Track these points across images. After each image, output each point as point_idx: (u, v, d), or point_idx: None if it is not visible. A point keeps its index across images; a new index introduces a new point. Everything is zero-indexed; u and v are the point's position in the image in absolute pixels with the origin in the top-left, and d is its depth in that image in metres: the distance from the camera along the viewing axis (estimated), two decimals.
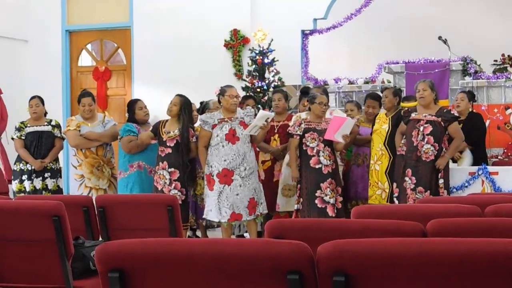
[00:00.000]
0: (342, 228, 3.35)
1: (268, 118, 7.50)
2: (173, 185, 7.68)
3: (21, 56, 12.35)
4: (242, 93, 9.87)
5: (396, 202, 7.46)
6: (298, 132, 7.66)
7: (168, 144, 7.74)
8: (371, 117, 8.41)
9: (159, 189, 7.71)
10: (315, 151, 7.61)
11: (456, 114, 7.69)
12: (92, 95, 8.61)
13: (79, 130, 8.23)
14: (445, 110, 7.63)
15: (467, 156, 8.44)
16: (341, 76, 11.46)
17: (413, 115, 7.57)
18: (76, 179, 8.27)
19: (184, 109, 7.78)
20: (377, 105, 8.49)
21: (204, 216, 7.69)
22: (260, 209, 7.58)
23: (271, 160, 8.30)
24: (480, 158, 8.41)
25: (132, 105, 8.44)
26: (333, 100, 11.00)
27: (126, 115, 8.61)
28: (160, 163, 7.75)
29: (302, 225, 3.51)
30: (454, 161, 8.27)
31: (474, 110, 9.29)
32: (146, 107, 8.40)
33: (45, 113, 8.69)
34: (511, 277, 2.27)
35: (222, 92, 7.61)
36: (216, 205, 7.46)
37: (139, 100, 8.57)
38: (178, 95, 7.91)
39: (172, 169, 7.71)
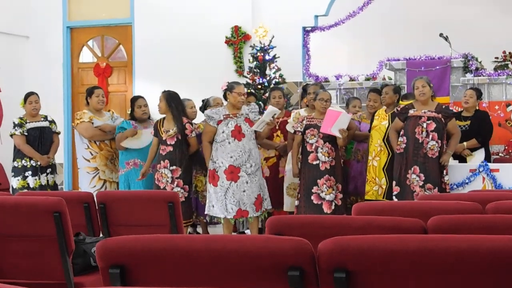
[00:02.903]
0: (343, 224, 3.35)
1: (275, 114, 7.49)
2: (176, 182, 7.69)
3: (22, 53, 12.33)
4: None
5: (396, 200, 7.42)
6: (299, 129, 7.67)
7: (168, 142, 7.75)
8: (372, 111, 8.40)
9: (161, 187, 7.70)
10: (313, 147, 7.62)
11: (455, 110, 7.69)
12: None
13: (92, 123, 8.28)
14: (443, 106, 7.63)
15: (480, 153, 8.42)
16: (342, 73, 11.43)
17: (411, 111, 7.55)
18: (89, 172, 8.28)
19: (170, 103, 7.81)
20: (378, 99, 8.48)
21: (206, 212, 7.67)
22: (265, 205, 7.60)
23: (276, 156, 8.30)
24: (486, 157, 8.42)
25: (132, 103, 8.47)
26: (334, 97, 10.96)
27: (128, 111, 8.63)
28: (162, 161, 7.75)
29: (302, 221, 3.50)
30: (463, 158, 8.24)
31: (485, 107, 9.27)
32: (146, 105, 8.38)
33: None
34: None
35: (230, 88, 7.58)
36: (223, 201, 7.46)
37: (139, 97, 8.55)
38: (162, 92, 7.96)
39: (174, 167, 7.71)
